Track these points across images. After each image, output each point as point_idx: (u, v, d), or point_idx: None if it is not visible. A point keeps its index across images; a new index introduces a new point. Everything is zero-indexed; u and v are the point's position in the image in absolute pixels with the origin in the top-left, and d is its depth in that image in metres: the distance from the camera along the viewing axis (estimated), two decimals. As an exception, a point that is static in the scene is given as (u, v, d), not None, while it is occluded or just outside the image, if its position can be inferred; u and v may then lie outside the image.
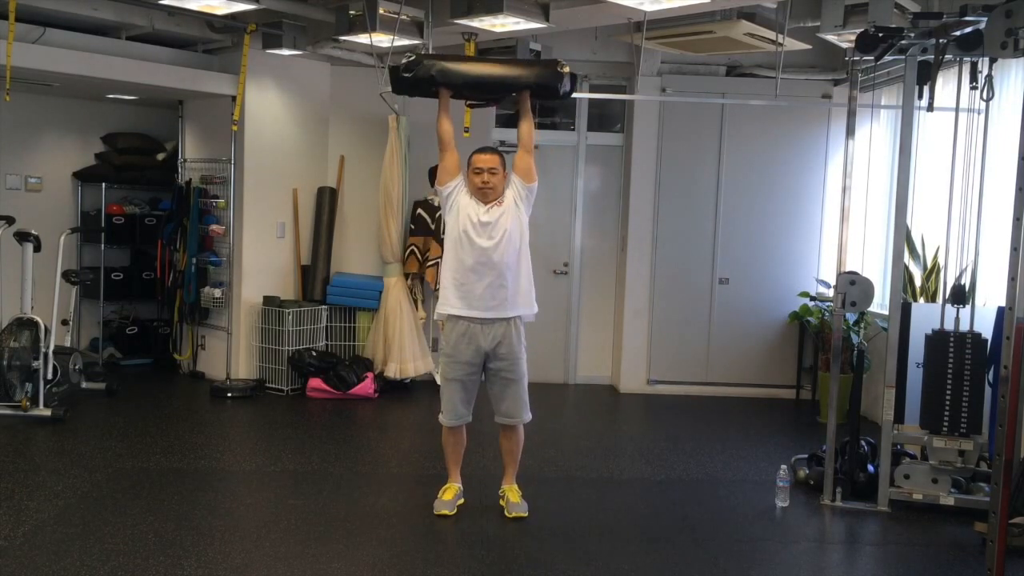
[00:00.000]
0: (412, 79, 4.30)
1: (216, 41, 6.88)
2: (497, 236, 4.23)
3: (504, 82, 4.44)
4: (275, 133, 7.16)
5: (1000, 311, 4.46)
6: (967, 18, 4.07)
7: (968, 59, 4.39)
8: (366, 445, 5.76)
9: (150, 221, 7.86)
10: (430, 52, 4.57)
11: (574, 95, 4.69)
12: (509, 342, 4.28)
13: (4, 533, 3.91)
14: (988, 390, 4.51)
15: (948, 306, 4.62)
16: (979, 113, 4.51)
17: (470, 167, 4.31)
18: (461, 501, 4.46)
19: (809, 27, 5.66)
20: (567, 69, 4.35)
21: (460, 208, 4.29)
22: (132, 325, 7.91)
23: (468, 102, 5.04)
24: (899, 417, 4.71)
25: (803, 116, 7.24)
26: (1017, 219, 3.36)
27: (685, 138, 7.33)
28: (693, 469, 5.35)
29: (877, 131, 6.58)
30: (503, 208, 4.26)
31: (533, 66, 4.60)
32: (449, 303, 4.31)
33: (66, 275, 6.51)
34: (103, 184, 7.74)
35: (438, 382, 4.66)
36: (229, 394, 6.77)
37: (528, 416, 4.41)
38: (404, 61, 4.30)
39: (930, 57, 4.39)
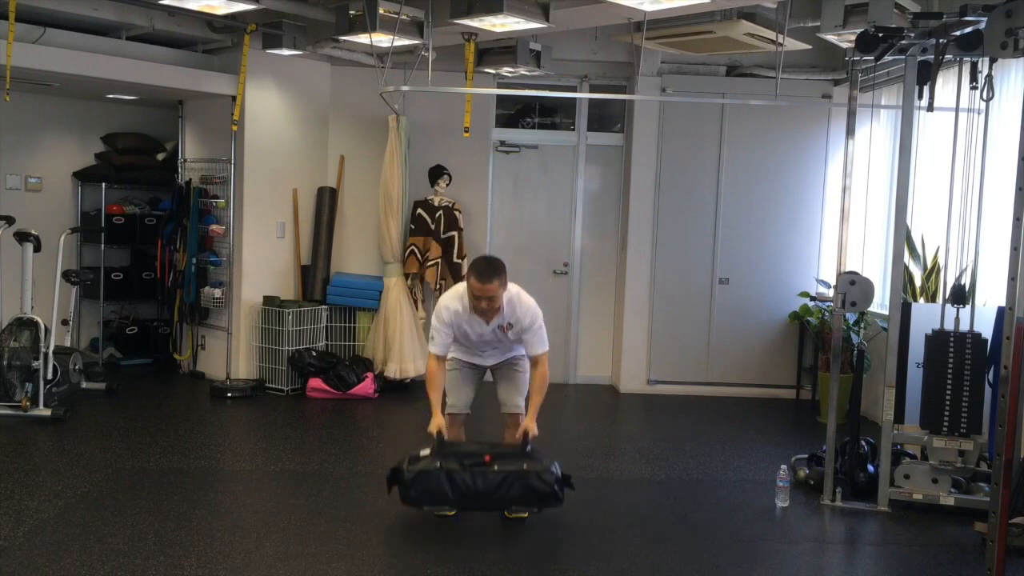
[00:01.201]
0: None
1: (216, 41, 6.88)
2: (501, 340, 4.35)
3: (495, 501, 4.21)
4: (275, 133, 7.16)
5: (1000, 311, 4.46)
6: (967, 18, 4.07)
7: (968, 59, 4.39)
8: (366, 445, 5.76)
9: (150, 221, 7.86)
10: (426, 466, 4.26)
11: (578, 95, 4.65)
12: (509, 355, 4.45)
13: (4, 533, 3.91)
14: (988, 390, 4.51)
15: (948, 306, 4.62)
16: (979, 113, 4.51)
17: (469, 287, 4.19)
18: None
19: (809, 27, 5.67)
20: (555, 481, 4.18)
21: (465, 328, 4.28)
22: (132, 325, 7.90)
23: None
24: (899, 417, 4.71)
25: (803, 116, 7.24)
26: (1017, 219, 3.36)
27: (685, 138, 7.33)
28: (693, 469, 5.35)
29: (877, 131, 6.58)
30: (506, 334, 4.29)
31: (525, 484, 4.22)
32: (454, 352, 4.46)
33: (66, 275, 6.50)
34: (103, 184, 7.73)
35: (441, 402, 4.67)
36: (229, 394, 6.77)
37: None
38: (408, 471, 4.14)
39: (930, 57, 4.39)
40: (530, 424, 4.24)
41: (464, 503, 4.16)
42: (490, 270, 4.11)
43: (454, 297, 4.27)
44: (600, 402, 7.27)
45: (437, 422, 4.23)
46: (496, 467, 4.12)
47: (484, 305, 4.13)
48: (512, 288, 4.26)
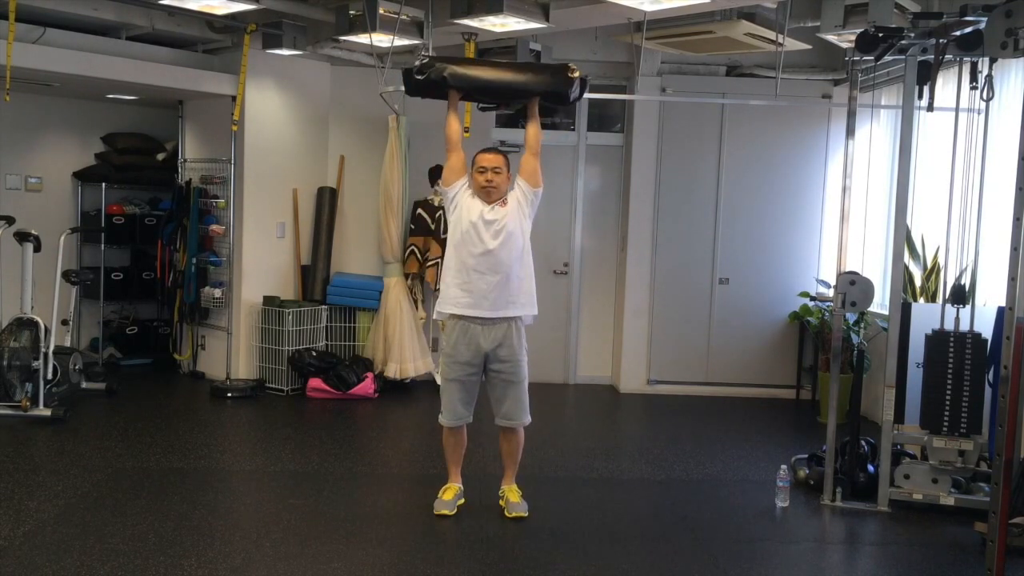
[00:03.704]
0: (424, 81, 4.32)
1: (216, 41, 6.88)
2: (501, 236, 4.24)
3: (514, 88, 4.44)
4: (275, 133, 7.16)
5: (1000, 311, 4.46)
6: (967, 18, 4.07)
7: (968, 59, 4.39)
8: (366, 445, 5.76)
9: (150, 221, 7.86)
10: (442, 56, 4.56)
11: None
12: (510, 344, 4.29)
13: (4, 533, 3.91)
14: (988, 390, 4.51)
15: (948, 306, 4.62)
16: (979, 113, 4.51)
17: (474, 166, 4.32)
18: (461, 501, 4.46)
19: (809, 27, 5.67)
20: (578, 74, 4.38)
21: (464, 207, 4.29)
22: (132, 325, 7.91)
23: (479, 105, 5.08)
24: (899, 417, 4.71)
25: (803, 116, 7.24)
26: (1017, 219, 3.36)
27: (685, 138, 7.33)
28: (693, 469, 5.35)
29: (877, 131, 6.58)
30: (507, 209, 4.28)
31: (544, 71, 4.58)
32: (450, 302, 4.30)
33: (66, 275, 6.51)
34: (103, 184, 7.74)
35: (438, 382, 4.66)
36: (229, 394, 6.77)
37: (527, 419, 4.41)
38: (417, 63, 4.32)
39: (930, 57, 4.39)
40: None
41: (474, 85, 4.34)
42: (495, 148, 4.45)
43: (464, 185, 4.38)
44: (600, 402, 7.27)
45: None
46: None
47: (489, 177, 4.25)
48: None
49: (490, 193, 4.28)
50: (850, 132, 4.90)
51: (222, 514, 4.36)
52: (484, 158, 4.31)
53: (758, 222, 7.33)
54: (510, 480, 4.49)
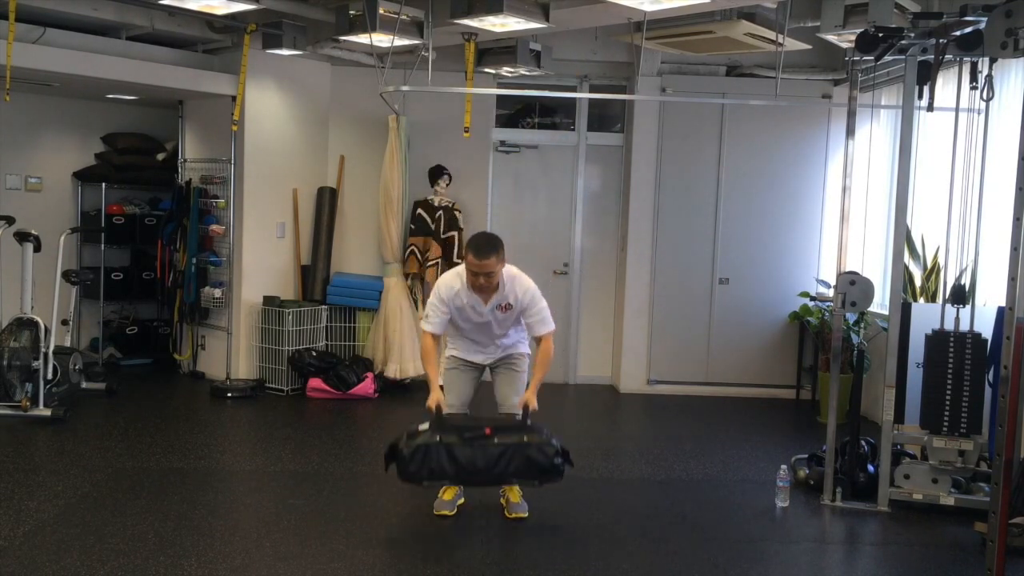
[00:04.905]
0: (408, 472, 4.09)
1: (216, 41, 6.88)
2: (499, 330, 4.37)
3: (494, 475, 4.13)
4: (275, 133, 7.16)
5: (1000, 311, 4.46)
6: (967, 18, 4.07)
7: (968, 59, 4.39)
8: (366, 445, 5.76)
9: (150, 221, 7.86)
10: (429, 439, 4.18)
11: (578, 95, 4.65)
12: (509, 351, 4.44)
13: (4, 533, 3.91)
14: (988, 390, 4.51)
15: (948, 306, 4.61)
16: (979, 113, 4.51)
17: (466, 264, 4.19)
18: (461, 501, 4.46)
19: (809, 27, 5.67)
20: (556, 454, 4.12)
21: (462, 305, 4.27)
22: (132, 325, 7.91)
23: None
24: (899, 417, 4.71)
25: (803, 116, 7.24)
26: (1017, 219, 3.36)
27: (685, 138, 7.33)
28: (693, 469, 5.35)
29: (877, 131, 6.58)
30: (505, 314, 4.29)
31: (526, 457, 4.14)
32: (452, 348, 4.49)
33: (66, 275, 6.50)
34: (103, 184, 7.74)
35: (439, 382, 4.67)
36: (229, 394, 6.77)
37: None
38: (406, 447, 4.09)
39: (930, 57, 4.39)
40: (530, 397, 4.21)
41: (464, 477, 4.11)
42: (488, 245, 4.11)
43: (453, 275, 4.29)
44: (600, 402, 7.27)
45: (435, 397, 4.20)
46: (496, 440, 4.06)
47: (482, 281, 4.12)
48: (511, 268, 4.27)
49: (484, 291, 4.22)
50: (850, 132, 4.90)
51: (222, 514, 4.36)
52: (475, 264, 4.10)
53: (758, 222, 7.33)
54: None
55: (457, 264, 7.11)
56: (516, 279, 4.26)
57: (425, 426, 4.11)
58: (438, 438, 4.05)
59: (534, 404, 4.19)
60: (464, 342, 4.44)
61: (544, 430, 4.17)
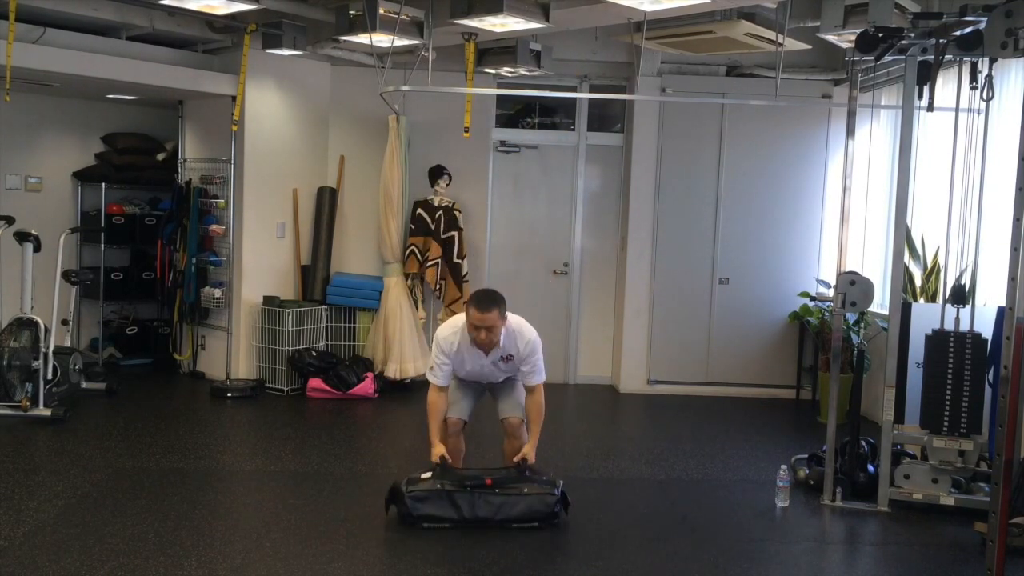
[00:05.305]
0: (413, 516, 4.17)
1: (216, 41, 6.88)
2: (500, 375, 4.41)
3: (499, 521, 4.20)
4: (275, 133, 7.16)
5: (1000, 311, 4.46)
6: (967, 18, 4.07)
7: (968, 59, 4.39)
8: (366, 445, 5.76)
9: (150, 221, 7.86)
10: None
11: (578, 95, 4.64)
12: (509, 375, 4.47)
13: (4, 533, 3.91)
14: (988, 390, 4.51)
15: (948, 306, 4.61)
16: (979, 113, 4.51)
17: (468, 318, 4.21)
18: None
19: (809, 27, 5.67)
20: (556, 502, 4.21)
21: (463, 359, 4.31)
22: (132, 325, 7.91)
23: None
24: (899, 417, 4.71)
25: (803, 116, 7.24)
26: (1017, 219, 3.36)
27: (685, 138, 7.33)
28: (693, 469, 5.35)
29: (877, 131, 6.58)
30: (507, 364, 4.32)
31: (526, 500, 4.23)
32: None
33: (66, 275, 6.50)
34: (103, 184, 7.73)
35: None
36: (229, 394, 6.77)
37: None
38: (408, 492, 4.15)
39: (930, 57, 4.39)
40: (529, 452, 4.29)
41: (464, 523, 4.16)
42: (489, 300, 4.15)
43: (452, 330, 4.30)
44: (600, 402, 7.27)
45: (438, 451, 4.27)
46: (497, 490, 4.17)
47: (483, 336, 4.14)
48: (513, 320, 4.28)
49: (486, 346, 4.25)
50: (850, 132, 4.90)
51: (222, 514, 4.36)
52: (477, 317, 4.13)
53: (758, 222, 7.33)
54: None
55: (457, 264, 7.15)
56: (519, 333, 4.28)
57: (427, 474, 4.20)
58: (439, 485, 4.15)
59: (532, 459, 4.29)
60: (466, 383, 4.50)
61: (544, 477, 4.28)
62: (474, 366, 4.32)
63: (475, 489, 4.14)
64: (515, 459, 4.32)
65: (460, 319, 4.30)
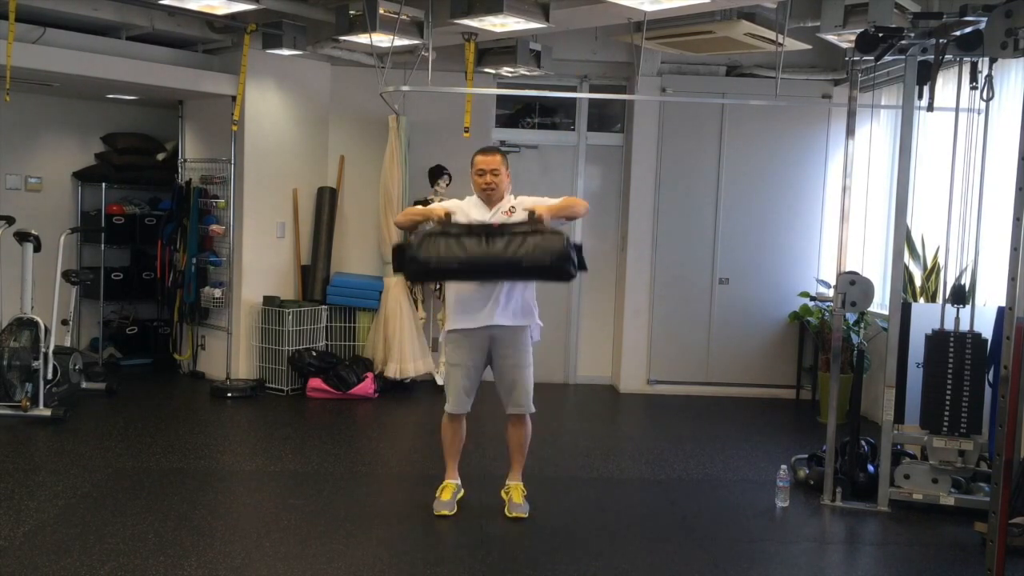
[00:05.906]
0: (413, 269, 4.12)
1: (216, 41, 6.88)
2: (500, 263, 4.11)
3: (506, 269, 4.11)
4: (275, 133, 7.16)
5: (1000, 311, 4.46)
6: (967, 18, 4.07)
7: (968, 59, 4.39)
8: (366, 445, 5.76)
9: (150, 221, 7.86)
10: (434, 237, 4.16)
11: (578, 95, 4.64)
12: (514, 334, 4.33)
13: (4, 533, 3.91)
14: (988, 390, 4.51)
15: (948, 306, 4.61)
16: (979, 113, 4.51)
17: (473, 168, 4.34)
18: (461, 494, 4.48)
19: (809, 27, 5.67)
20: (567, 243, 4.09)
21: (470, 214, 4.29)
22: (132, 325, 7.91)
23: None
24: (899, 417, 4.71)
25: (803, 116, 7.24)
26: (1017, 219, 3.36)
27: (685, 138, 7.33)
28: (693, 469, 5.35)
29: (877, 131, 6.57)
30: (512, 218, 4.24)
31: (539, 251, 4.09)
32: (451, 321, 4.37)
33: (66, 275, 6.50)
34: (103, 184, 7.73)
35: (439, 382, 4.68)
36: (229, 394, 6.77)
37: (531, 407, 4.43)
38: (414, 240, 4.10)
39: (930, 57, 4.39)
40: (543, 212, 4.12)
41: (471, 271, 4.06)
42: (492, 148, 4.44)
43: (454, 201, 4.40)
44: (600, 402, 7.27)
45: (440, 213, 4.18)
46: (505, 231, 4.02)
47: (488, 180, 4.25)
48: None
49: (490, 196, 4.28)
50: (850, 132, 4.90)
51: (222, 514, 4.36)
52: (482, 160, 4.31)
53: (758, 222, 7.33)
54: (516, 476, 4.49)
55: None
56: (522, 197, 4.36)
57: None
58: (447, 230, 4.09)
59: (544, 215, 4.12)
60: (465, 299, 4.29)
61: (555, 229, 4.14)
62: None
63: (481, 231, 4.02)
64: (535, 215, 4.12)
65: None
